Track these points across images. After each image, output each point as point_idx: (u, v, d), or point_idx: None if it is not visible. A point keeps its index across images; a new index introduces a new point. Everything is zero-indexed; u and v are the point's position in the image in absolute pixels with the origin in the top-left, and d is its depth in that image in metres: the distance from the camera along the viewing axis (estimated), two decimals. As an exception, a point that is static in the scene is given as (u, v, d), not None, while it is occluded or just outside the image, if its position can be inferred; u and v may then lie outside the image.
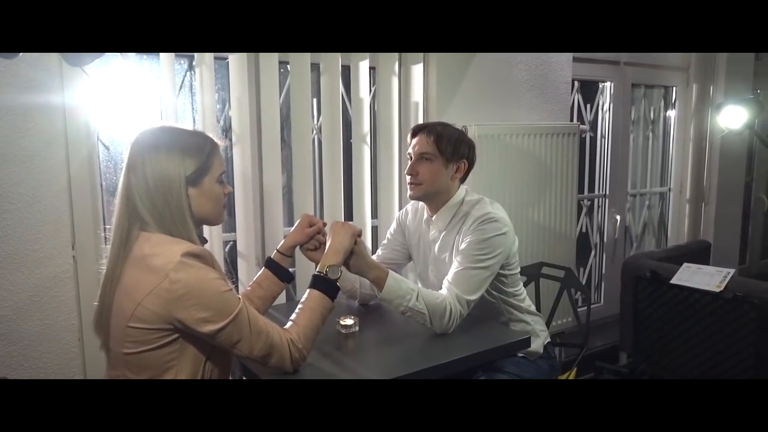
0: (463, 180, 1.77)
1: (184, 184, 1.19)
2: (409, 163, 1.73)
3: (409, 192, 1.74)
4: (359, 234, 1.49)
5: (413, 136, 1.75)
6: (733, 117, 2.12)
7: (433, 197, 1.74)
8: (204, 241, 1.31)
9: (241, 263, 2.10)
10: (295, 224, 1.61)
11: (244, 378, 1.78)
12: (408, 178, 1.72)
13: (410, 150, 1.74)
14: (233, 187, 2.02)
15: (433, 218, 1.78)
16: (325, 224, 1.60)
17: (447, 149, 1.69)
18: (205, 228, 1.88)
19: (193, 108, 2.07)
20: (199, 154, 1.21)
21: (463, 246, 1.64)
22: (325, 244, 1.51)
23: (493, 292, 1.73)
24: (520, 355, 1.75)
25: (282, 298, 1.99)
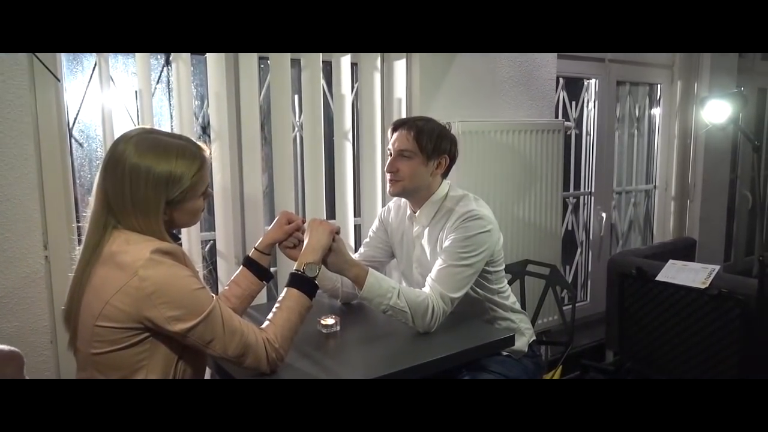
0: (445, 175, 1.74)
1: (164, 206, 1.15)
2: (389, 159, 1.70)
3: (389, 188, 1.70)
4: (337, 231, 1.46)
5: (393, 131, 1.71)
6: (717, 111, 2.11)
7: (414, 193, 1.71)
8: (177, 239, 1.27)
9: (220, 263, 2.06)
10: (274, 221, 1.58)
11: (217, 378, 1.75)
12: (388, 175, 1.69)
13: (390, 146, 1.71)
14: (212, 184, 1.98)
15: (416, 214, 1.75)
16: (304, 221, 1.56)
17: (427, 146, 1.65)
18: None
19: (170, 104, 2.02)
20: (184, 178, 1.15)
21: (446, 243, 1.61)
22: (303, 241, 1.48)
23: (477, 289, 1.71)
24: (505, 353, 1.73)
25: (263, 298, 1.95)
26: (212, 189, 1.86)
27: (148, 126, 1.44)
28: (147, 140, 1.15)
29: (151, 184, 1.12)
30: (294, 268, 1.38)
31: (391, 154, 1.70)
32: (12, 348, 1.17)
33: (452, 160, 1.73)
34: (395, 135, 1.70)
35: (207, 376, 1.71)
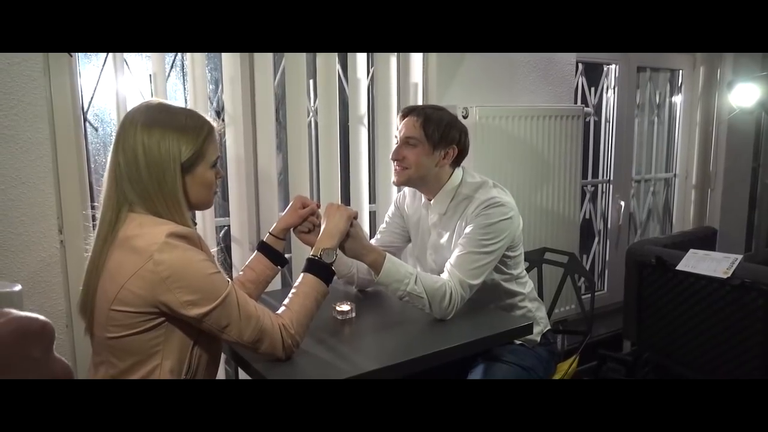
0: (454, 166, 1.70)
1: (179, 171, 1.13)
2: (395, 147, 1.67)
3: (393, 178, 1.67)
4: (355, 216, 1.44)
5: (402, 118, 1.67)
6: (744, 95, 2.05)
7: (421, 184, 1.68)
8: (194, 224, 1.26)
9: (235, 248, 2.05)
10: (288, 206, 1.56)
11: (230, 366, 1.74)
12: (394, 163, 1.66)
13: (397, 133, 1.67)
14: (227, 170, 1.96)
15: (431, 202, 1.72)
16: (318, 206, 1.54)
17: (434, 134, 1.61)
18: (198, 212, 1.83)
19: (184, 88, 2.01)
20: (195, 138, 1.14)
21: (467, 230, 1.58)
22: (318, 226, 1.46)
23: (496, 274, 1.68)
24: (518, 342, 1.70)
25: (278, 284, 1.94)
26: (224, 172, 1.85)
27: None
28: (156, 108, 1.15)
29: (164, 146, 1.11)
30: (311, 253, 1.36)
31: (398, 142, 1.67)
32: (41, 318, 1.12)
33: (462, 151, 1.68)
34: (403, 122, 1.66)
35: (222, 361, 1.70)
